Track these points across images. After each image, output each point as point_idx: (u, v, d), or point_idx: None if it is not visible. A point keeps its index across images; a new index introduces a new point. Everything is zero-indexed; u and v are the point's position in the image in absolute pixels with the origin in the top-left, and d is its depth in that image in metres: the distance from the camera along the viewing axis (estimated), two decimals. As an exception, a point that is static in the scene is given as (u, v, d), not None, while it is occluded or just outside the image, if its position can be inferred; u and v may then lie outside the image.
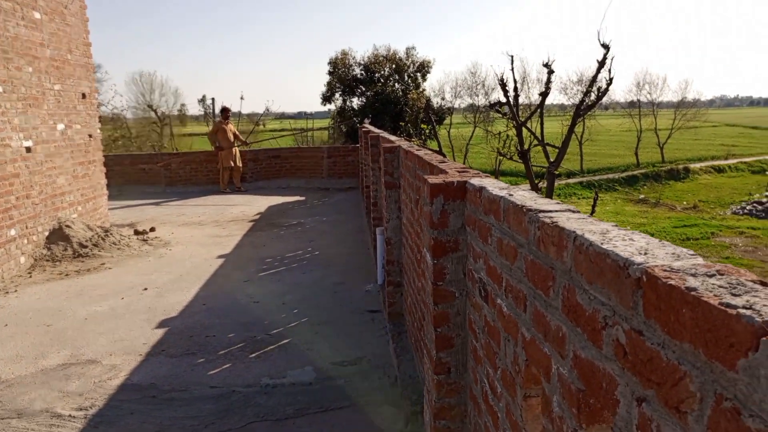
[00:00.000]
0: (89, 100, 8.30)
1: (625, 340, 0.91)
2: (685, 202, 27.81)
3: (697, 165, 37.16)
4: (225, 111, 12.90)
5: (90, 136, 8.26)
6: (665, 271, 0.84)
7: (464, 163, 32.43)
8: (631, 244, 1.00)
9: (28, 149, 6.62)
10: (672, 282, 0.79)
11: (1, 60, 6.15)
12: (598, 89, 10.65)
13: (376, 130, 8.28)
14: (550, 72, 11.02)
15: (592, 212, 11.69)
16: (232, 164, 12.52)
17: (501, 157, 17.03)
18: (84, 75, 8.16)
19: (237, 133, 12.98)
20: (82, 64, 8.10)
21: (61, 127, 7.41)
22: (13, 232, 6.23)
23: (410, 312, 3.81)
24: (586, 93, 11.27)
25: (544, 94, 11.59)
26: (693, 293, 0.75)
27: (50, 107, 7.18)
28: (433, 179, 2.11)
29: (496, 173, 23.62)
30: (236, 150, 12.67)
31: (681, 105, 45.04)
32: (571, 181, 31.18)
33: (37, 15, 6.95)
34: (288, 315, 4.86)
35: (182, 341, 4.31)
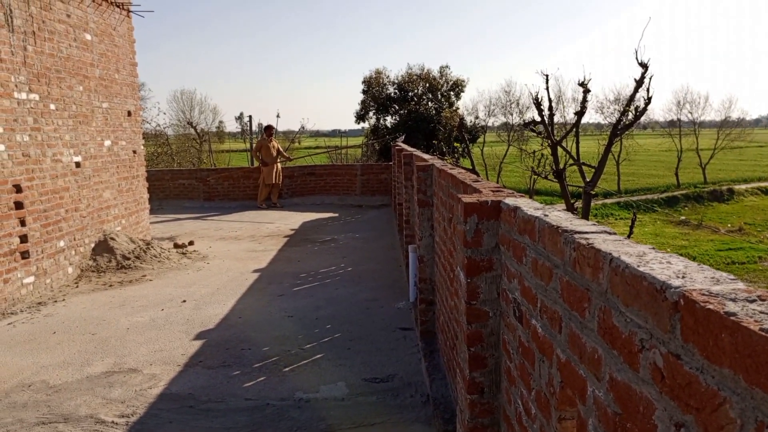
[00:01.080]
0: (134, 118, 8.61)
1: (663, 364, 0.91)
2: (729, 225, 26.93)
3: (743, 186, 35.98)
4: (269, 129, 13.27)
5: (134, 152, 8.55)
6: (703, 295, 0.83)
7: (498, 182, 32.26)
8: (668, 267, 1.00)
9: (78, 164, 6.90)
10: (711, 306, 0.79)
11: (54, 79, 6.45)
12: (636, 108, 10.49)
13: (410, 149, 8.33)
14: (586, 91, 10.92)
15: (630, 233, 11.44)
16: (273, 181, 12.78)
17: (535, 177, 16.87)
18: (130, 93, 8.48)
19: (280, 149, 13.27)
20: (128, 83, 8.42)
21: (107, 143, 7.70)
22: (62, 243, 6.47)
23: (443, 330, 3.80)
24: (624, 112, 11.11)
25: (579, 114, 11.47)
26: (732, 318, 0.75)
27: (98, 124, 7.47)
28: (467, 198, 2.13)
29: (531, 192, 23.37)
30: (278, 166, 12.94)
31: (724, 124, 43.89)
32: (608, 201, 30.60)
33: (89, 36, 7.28)
34: (321, 330, 4.90)
35: (219, 353, 4.39)
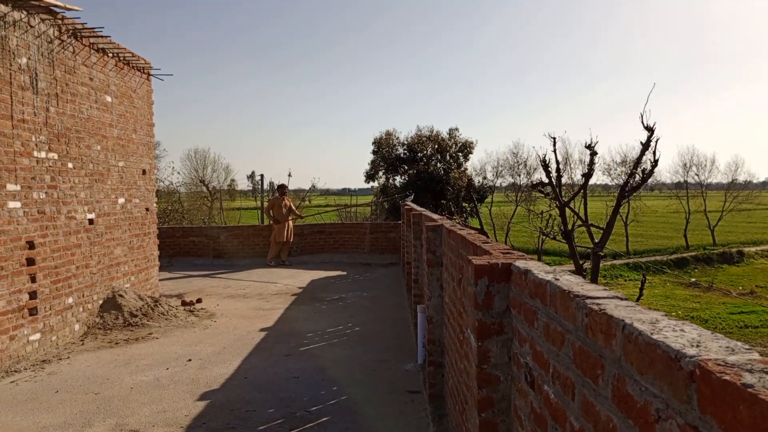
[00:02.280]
0: (149, 176, 8.79)
1: (681, 436, 0.89)
2: (740, 288, 26.52)
3: (752, 248, 35.65)
4: (282, 187, 13.54)
5: (147, 209, 8.67)
6: (719, 365, 0.83)
7: (506, 242, 32.15)
8: (682, 335, 0.99)
9: (91, 221, 6.99)
10: (727, 377, 0.78)
11: (73, 139, 6.65)
12: (643, 171, 10.58)
13: (419, 208, 8.40)
14: (593, 153, 11.07)
15: (640, 295, 11.29)
16: (284, 239, 12.85)
17: (544, 237, 16.85)
18: (146, 152, 8.69)
19: (292, 207, 13.42)
20: (144, 143, 8.64)
21: (121, 201, 7.83)
22: (70, 300, 6.47)
23: (452, 394, 3.71)
24: (631, 174, 11.21)
25: (587, 175, 11.58)
26: (750, 390, 0.74)
27: (113, 182, 7.63)
28: (477, 260, 2.13)
29: (539, 252, 23.29)
30: (290, 224, 13.05)
31: (731, 186, 44.02)
32: (616, 262, 30.36)
33: (109, 98, 7.54)
34: (327, 392, 4.79)
35: (223, 415, 4.29)
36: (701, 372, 0.84)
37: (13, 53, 5.59)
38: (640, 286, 11.45)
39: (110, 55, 7.57)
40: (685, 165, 43.66)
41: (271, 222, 13.08)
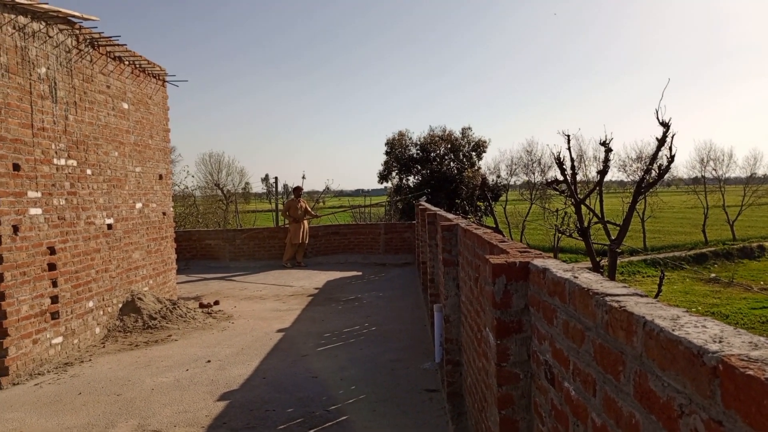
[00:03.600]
0: (165, 181, 8.89)
1: (705, 430, 0.89)
2: (762, 282, 26.10)
3: (773, 243, 35.06)
4: (297, 190, 13.71)
5: (164, 213, 8.77)
6: (742, 360, 0.83)
7: (521, 240, 31.99)
8: (704, 331, 1.00)
9: (110, 226, 7.09)
10: (750, 372, 0.79)
11: (92, 146, 6.75)
12: (659, 167, 10.48)
13: (433, 208, 8.40)
14: (608, 150, 10.98)
15: (659, 292, 11.17)
16: (300, 240, 12.92)
17: (560, 235, 16.75)
18: (162, 158, 8.79)
19: (308, 208, 13.51)
20: (161, 148, 8.74)
21: (139, 205, 7.93)
22: (91, 303, 6.57)
23: (470, 393, 3.71)
24: (647, 171, 11.10)
25: (602, 172, 11.49)
26: (773, 384, 0.74)
27: (131, 187, 7.73)
28: (495, 259, 2.14)
29: (555, 251, 23.12)
30: (306, 225, 13.12)
31: (750, 181, 43.35)
32: (634, 259, 30.05)
33: (126, 105, 7.64)
34: (346, 391, 4.82)
35: (243, 415, 4.33)
36: (724, 367, 0.84)
37: (33, 63, 5.69)
38: (658, 282, 11.33)
39: (126, 63, 7.67)
40: (702, 160, 43.06)
41: (289, 222, 13.17)
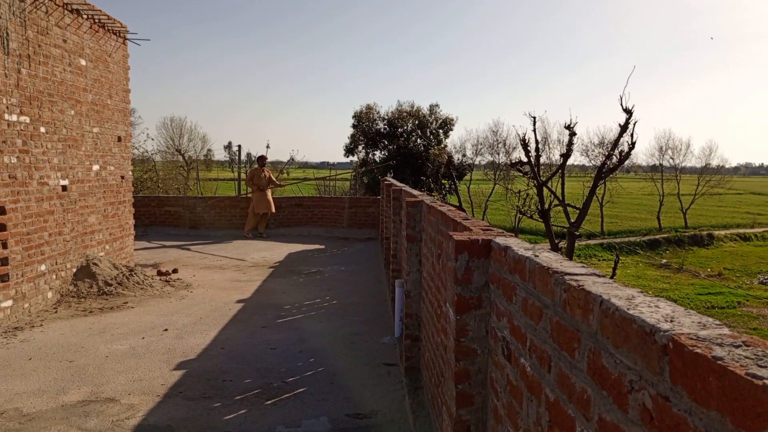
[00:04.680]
0: (124, 143, 8.61)
1: (652, 405, 0.94)
2: (709, 269, 27.30)
3: (722, 232, 36.59)
4: (261, 159, 13.48)
5: (122, 177, 8.52)
6: (691, 339, 0.87)
7: (483, 219, 32.49)
8: (656, 311, 1.04)
9: (64, 188, 6.86)
10: (698, 350, 0.82)
11: (46, 103, 6.47)
12: (620, 152, 10.73)
13: (399, 184, 8.42)
14: (572, 134, 11.18)
15: (613, 275, 11.56)
16: (265, 210, 12.75)
17: (521, 215, 17.05)
18: (121, 119, 8.50)
19: (272, 177, 13.33)
20: (120, 109, 8.45)
21: (96, 168, 7.68)
22: (43, 267, 6.38)
23: (428, 367, 3.79)
24: (608, 156, 11.36)
25: (565, 156, 11.71)
26: (719, 362, 0.78)
27: (88, 149, 7.47)
28: (458, 236, 2.16)
29: (515, 231, 23.59)
30: (269, 196, 12.95)
31: (705, 171, 44.93)
32: (591, 242, 30.91)
33: (83, 62, 7.33)
34: (304, 363, 4.85)
35: (199, 384, 4.32)
36: (674, 345, 0.88)
37: (-17, 11, 5.38)
38: (613, 266, 11.72)
39: (85, 16, 7.34)
40: (661, 148, 44.34)
41: (252, 191, 12.97)
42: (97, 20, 7.64)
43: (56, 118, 6.68)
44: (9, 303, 5.80)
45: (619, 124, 10.28)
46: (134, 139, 24.83)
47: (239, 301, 6.97)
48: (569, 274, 1.39)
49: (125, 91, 8.63)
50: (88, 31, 7.45)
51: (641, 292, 1.21)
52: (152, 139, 40.47)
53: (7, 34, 5.77)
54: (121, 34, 8.41)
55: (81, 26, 7.24)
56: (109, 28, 8.00)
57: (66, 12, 6.87)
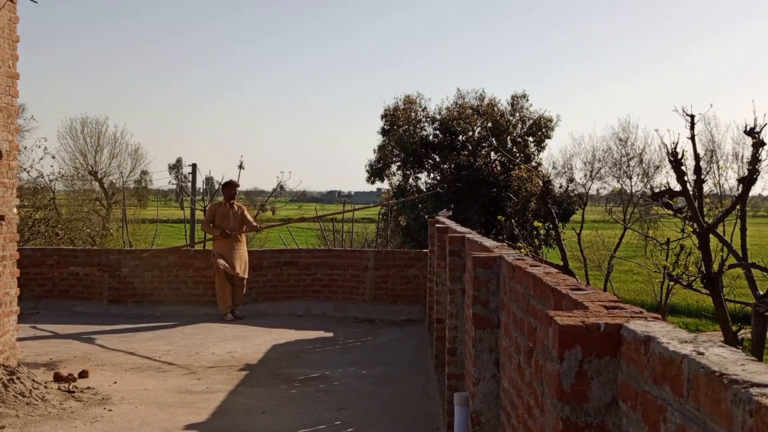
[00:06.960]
0: (6, 162, 8.82)
1: None
2: None
3: None
4: (230, 186, 13.61)
5: (1, 218, 8.71)
6: None
7: (606, 289, 32.15)
8: None
9: None
10: None
11: None
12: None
13: (459, 228, 8.42)
14: (759, 144, 11.05)
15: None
16: (237, 271, 12.72)
17: (671, 283, 16.81)
18: (2, 122, 8.71)
19: (247, 216, 13.35)
20: (2, 104, 8.68)
21: (-40, 201, 7.90)
22: None
23: None
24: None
25: (746, 181, 11.56)
26: None
27: (-51, 170, 7.70)
28: (564, 318, 2.15)
29: (662, 309, 23.19)
30: (241, 246, 12.96)
31: None
32: (794, 328, 30.18)
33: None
34: None
35: None
36: None
37: None
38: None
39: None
40: None
41: (213, 240, 13.03)
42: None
43: None
44: None
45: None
46: (23, 155, 25.60)
47: (188, 428, 6.98)
48: (758, 384, 1.36)
49: (11, 76, 8.90)
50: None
51: None
52: (52, 156, 41.53)
53: None
54: (7, -14, 8.75)
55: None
56: (-11, -24, 8.35)
57: None
